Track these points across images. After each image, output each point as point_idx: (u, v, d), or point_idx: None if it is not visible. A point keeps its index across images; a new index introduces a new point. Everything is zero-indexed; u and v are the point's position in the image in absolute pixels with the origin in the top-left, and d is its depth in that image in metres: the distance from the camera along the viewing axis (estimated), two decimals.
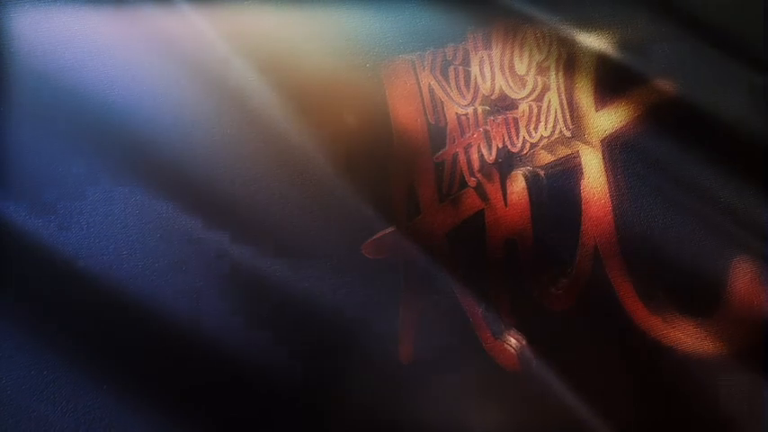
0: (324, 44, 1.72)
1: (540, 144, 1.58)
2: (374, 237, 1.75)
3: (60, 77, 1.74)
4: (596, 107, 1.51)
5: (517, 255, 1.67)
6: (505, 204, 1.68)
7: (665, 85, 1.43)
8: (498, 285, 1.71)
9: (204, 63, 1.74)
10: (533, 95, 1.58)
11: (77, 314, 1.74)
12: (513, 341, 1.69)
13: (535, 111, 1.58)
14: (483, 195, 1.71)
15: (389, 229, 1.76)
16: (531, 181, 1.60)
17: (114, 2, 1.75)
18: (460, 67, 1.68)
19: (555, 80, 1.54)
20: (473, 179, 1.71)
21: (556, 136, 1.56)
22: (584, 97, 1.52)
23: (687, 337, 1.43)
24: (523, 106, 1.59)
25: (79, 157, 1.74)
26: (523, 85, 1.59)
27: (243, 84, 1.73)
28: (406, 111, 1.73)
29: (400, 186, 1.76)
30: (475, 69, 1.66)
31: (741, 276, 1.33)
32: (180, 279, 1.76)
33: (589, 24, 1.50)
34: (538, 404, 1.66)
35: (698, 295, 1.38)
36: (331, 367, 1.76)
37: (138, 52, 1.73)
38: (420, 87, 1.72)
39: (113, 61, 1.73)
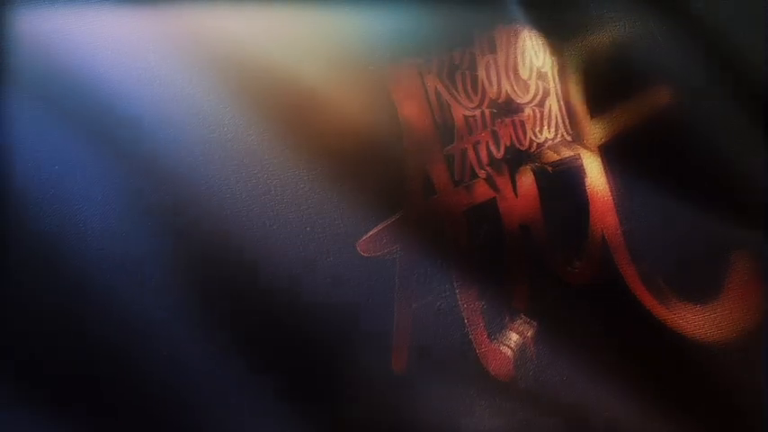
0: (329, 48, 1.71)
1: (546, 145, 1.65)
2: (370, 233, 1.72)
3: (67, 78, 1.70)
4: (591, 114, 1.61)
5: (531, 238, 1.71)
6: (516, 195, 1.72)
7: (661, 88, 1.54)
8: (517, 263, 1.72)
9: (209, 63, 1.68)
10: (536, 100, 1.65)
11: (71, 314, 1.68)
12: (514, 337, 1.71)
13: (538, 115, 1.65)
14: (493, 186, 1.74)
15: (386, 223, 1.73)
16: (539, 175, 1.66)
17: (123, 1, 1.74)
18: (467, 72, 1.71)
19: (553, 86, 1.62)
20: (482, 171, 1.73)
21: (559, 139, 1.63)
22: (579, 104, 1.61)
23: (687, 322, 1.50)
24: (528, 110, 1.66)
25: (80, 156, 1.70)
26: (527, 90, 1.67)
27: (247, 83, 1.69)
28: (412, 110, 1.73)
29: (415, 169, 1.74)
30: (482, 74, 1.70)
31: (740, 266, 1.42)
32: (174, 280, 1.71)
33: (582, 31, 1.60)
34: (530, 414, 1.68)
35: (698, 284, 1.46)
36: (324, 373, 1.73)
37: (142, 52, 1.72)
38: (426, 89, 1.73)
39: (117, 61, 1.71)
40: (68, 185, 1.70)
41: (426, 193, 1.75)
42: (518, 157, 1.70)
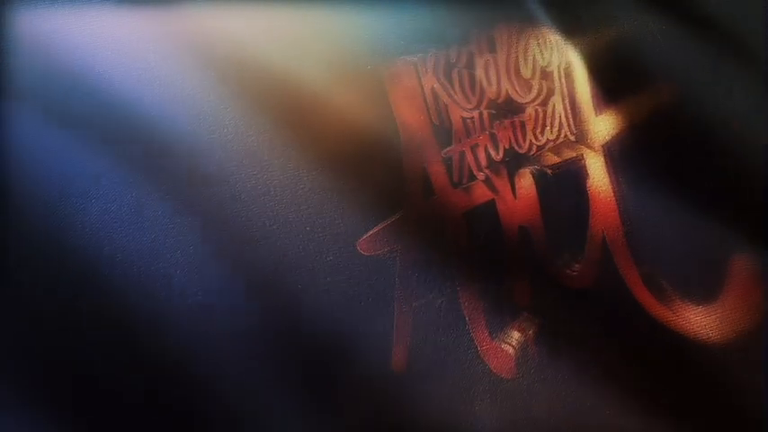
0: (326, 45, 1.69)
1: (547, 147, 1.63)
2: (370, 232, 1.71)
3: (67, 78, 1.70)
4: (596, 112, 1.59)
5: (531, 240, 1.69)
6: (514, 197, 1.69)
7: (664, 87, 1.53)
8: (516, 263, 1.71)
9: (209, 63, 1.68)
10: (539, 100, 1.62)
11: (71, 313, 1.68)
12: (516, 335, 1.71)
13: (541, 115, 1.62)
14: (492, 188, 1.72)
15: (386, 223, 1.72)
16: (539, 178, 1.63)
17: (123, 1, 1.73)
18: (465, 71, 1.67)
19: (558, 85, 1.60)
20: (481, 173, 1.71)
21: (561, 139, 1.61)
22: (585, 102, 1.60)
23: (689, 323, 1.50)
24: (529, 110, 1.64)
25: (80, 155, 1.70)
26: (529, 89, 1.62)
27: (247, 84, 1.69)
28: (408, 112, 1.71)
29: (414, 169, 1.72)
30: (480, 73, 1.66)
31: (741, 266, 1.42)
32: (174, 279, 1.70)
33: (588, 29, 1.58)
34: (532, 412, 1.69)
35: (700, 284, 1.46)
36: (323, 372, 1.73)
37: (143, 52, 1.71)
38: (423, 90, 1.70)
39: (117, 61, 1.71)
40: (67, 185, 1.71)
41: (426, 193, 1.73)
42: (517, 160, 1.68)
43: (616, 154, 1.57)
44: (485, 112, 1.68)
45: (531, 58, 1.61)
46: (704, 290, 1.47)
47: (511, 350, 1.69)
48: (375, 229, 1.73)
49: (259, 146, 1.72)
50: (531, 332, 1.69)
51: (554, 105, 1.61)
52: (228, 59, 1.71)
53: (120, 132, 1.71)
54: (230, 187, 1.73)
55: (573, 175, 1.63)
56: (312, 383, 1.73)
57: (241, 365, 1.73)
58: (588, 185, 1.61)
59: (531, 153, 1.66)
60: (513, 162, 1.68)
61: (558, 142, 1.62)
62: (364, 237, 1.74)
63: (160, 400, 1.71)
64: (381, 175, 1.73)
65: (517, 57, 1.62)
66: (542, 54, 1.60)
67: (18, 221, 1.70)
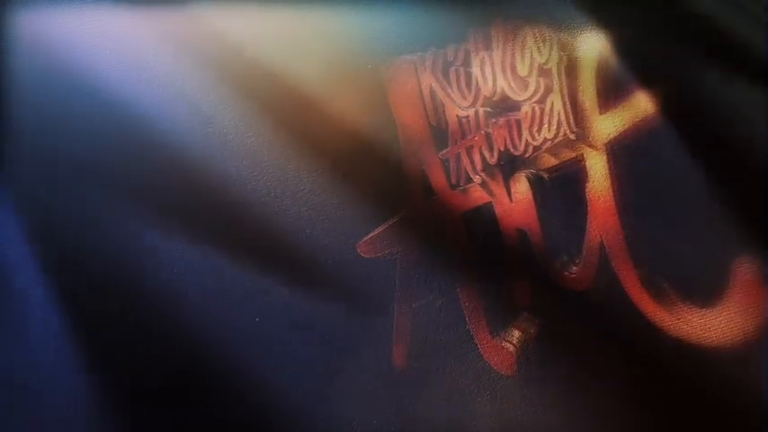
0: (325, 45, 1.68)
1: (544, 147, 1.61)
2: (370, 234, 1.71)
3: (66, 78, 1.71)
4: (600, 110, 1.57)
5: (529, 242, 1.67)
6: (510, 200, 1.67)
7: (668, 86, 1.52)
8: (515, 265, 1.69)
9: (209, 63, 1.69)
10: (536, 97, 1.57)
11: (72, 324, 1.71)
12: (516, 334, 1.70)
13: (538, 113, 1.59)
14: (489, 191, 1.70)
15: (385, 225, 1.71)
16: (535, 183, 1.61)
17: (123, 1, 1.74)
18: (461, 68, 1.64)
19: (557, 82, 1.58)
20: (477, 177, 1.68)
21: (560, 138, 1.59)
22: (588, 100, 1.58)
23: (691, 325, 1.49)
24: (526, 108, 1.59)
25: (79, 155, 1.72)
26: (525, 87, 1.58)
27: (247, 84, 1.69)
28: (407, 113, 1.70)
29: (413, 171, 1.72)
30: (476, 70, 1.64)
31: (743, 269, 1.41)
32: (172, 278, 1.73)
33: (590, 26, 1.57)
34: (532, 410, 1.69)
35: (702, 288, 1.45)
36: (325, 371, 1.74)
37: (142, 52, 1.72)
38: (421, 89, 1.69)
39: (117, 61, 1.72)
40: (66, 183, 1.72)
41: (426, 194, 1.73)
42: (512, 163, 1.66)
43: (620, 153, 1.56)
44: (480, 110, 1.65)
45: (528, 55, 1.60)
46: (706, 293, 1.47)
47: (511, 348, 1.68)
48: (375, 232, 1.73)
49: (259, 147, 1.72)
50: (531, 331, 1.68)
51: (552, 102, 1.59)
52: (228, 59, 1.71)
53: (120, 133, 1.72)
54: (231, 189, 1.73)
55: (571, 177, 1.60)
56: (313, 383, 1.74)
57: (241, 365, 1.73)
58: (587, 188, 1.60)
59: (528, 155, 1.64)
60: (509, 165, 1.66)
61: (556, 141, 1.59)
62: (364, 239, 1.74)
63: (160, 398, 1.72)
64: (381, 177, 1.73)
65: (513, 54, 1.61)
66: (540, 51, 1.59)
67: (17, 220, 1.71)
